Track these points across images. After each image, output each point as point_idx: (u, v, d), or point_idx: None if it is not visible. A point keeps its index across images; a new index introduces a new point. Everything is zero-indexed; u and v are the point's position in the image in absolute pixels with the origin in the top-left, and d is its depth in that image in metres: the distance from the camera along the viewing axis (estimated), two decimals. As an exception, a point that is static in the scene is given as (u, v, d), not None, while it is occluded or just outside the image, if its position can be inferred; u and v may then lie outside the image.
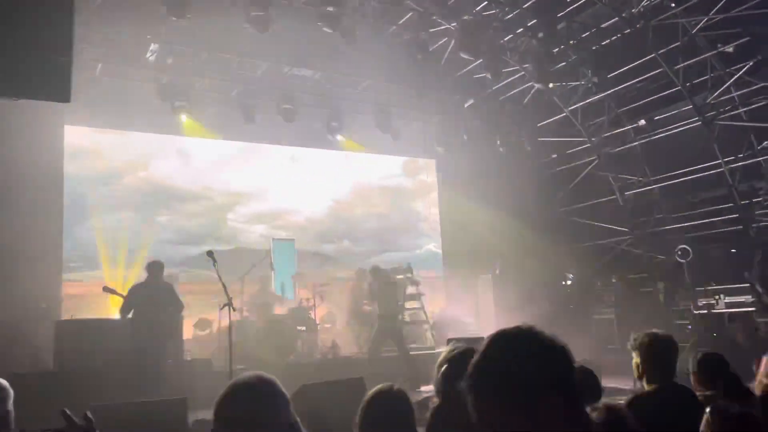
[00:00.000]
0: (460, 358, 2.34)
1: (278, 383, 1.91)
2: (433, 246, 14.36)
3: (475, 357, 1.34)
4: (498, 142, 12.91)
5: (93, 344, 7.45)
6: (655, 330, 3.27)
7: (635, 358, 3.23)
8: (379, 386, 2.54)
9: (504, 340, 1.35)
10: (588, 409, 2.45)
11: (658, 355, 3.15)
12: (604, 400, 3.06)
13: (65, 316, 9.37)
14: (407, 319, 11.49)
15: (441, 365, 2.48)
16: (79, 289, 10.41)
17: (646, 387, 3.20)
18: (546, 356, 1.31)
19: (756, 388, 3.26)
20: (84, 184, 11.06)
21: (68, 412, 2.00)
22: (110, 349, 7.46)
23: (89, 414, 2.03)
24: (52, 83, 5.37)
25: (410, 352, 9.44)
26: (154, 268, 7.78)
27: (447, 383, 2.39)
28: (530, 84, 11.88)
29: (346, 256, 13.30)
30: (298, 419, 1.93)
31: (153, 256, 8.61)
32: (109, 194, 11.34)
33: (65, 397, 6.17)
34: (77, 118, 10.42)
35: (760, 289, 8.61)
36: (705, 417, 2.43)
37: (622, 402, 3.10)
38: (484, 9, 10.33)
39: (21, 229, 9.28)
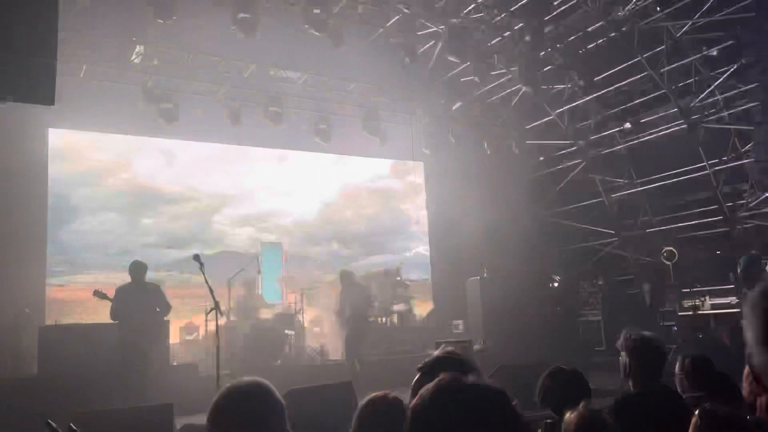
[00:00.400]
0: (433, 366, 2.26)
1: (274, 389, 1.89)
2: (423, 249, 14.36)
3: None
4: (485, 145, 12.95)
5: (77, 350, 7.36)
6: (644, 331, 3.28)
7: (623, 357, 3.24)
8: (373, 394, 2.49)
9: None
10: (568, 413, 2.46)
11: (646, 356, 3.16)
12: (593, 401, 3.07)
13: (49, 322, 9.26)
14: (395, 321, 11.49)
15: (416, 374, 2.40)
16: (63, 294, 10.29)
17: (632, 387, 3.21)
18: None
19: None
20: (68, 187, 10.95)
21: (53, 423, 1.95)
22: (94, 355, 7.36)
23: (73, 426, 1.98)
24: (36, 86, 5.30)
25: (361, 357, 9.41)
26: (136, 269, 7.67)
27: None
28: (517, 87, 11.93)
29: (335, 259, 13.26)
30: (289, 429, 1.90)
31: (138, 259, 8.51)
32: (94, 198, 11.24)
33: (48, 403, 6.10)
34: (61, 121, 10.32)
35: (747, 292, 8.67)
36: (693, 419, 2.43)
37: (607, 403, 3.12)
38: (472, 12, 10.36)
39: (4, 233, 9.17)
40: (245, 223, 12.64)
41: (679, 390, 3.58)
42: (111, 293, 7.47)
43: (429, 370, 2.21)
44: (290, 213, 13.05)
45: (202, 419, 1.87)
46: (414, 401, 1.25)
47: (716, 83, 10.19)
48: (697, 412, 2.37)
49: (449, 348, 2.46)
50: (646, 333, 3.27)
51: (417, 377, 2.26)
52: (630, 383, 3.22)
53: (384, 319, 11.36)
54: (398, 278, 11.85)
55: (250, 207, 12.73)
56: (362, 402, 2.45)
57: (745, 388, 3.11)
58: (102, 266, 10.76)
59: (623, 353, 3.23)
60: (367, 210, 14.11)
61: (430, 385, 1.26)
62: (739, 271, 8.82)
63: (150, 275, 7.93)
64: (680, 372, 3.69)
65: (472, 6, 10.23)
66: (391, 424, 2.33)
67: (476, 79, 11.13)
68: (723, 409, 2.42)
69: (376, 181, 14.37)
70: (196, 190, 12.23)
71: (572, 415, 2.44)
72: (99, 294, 7.41)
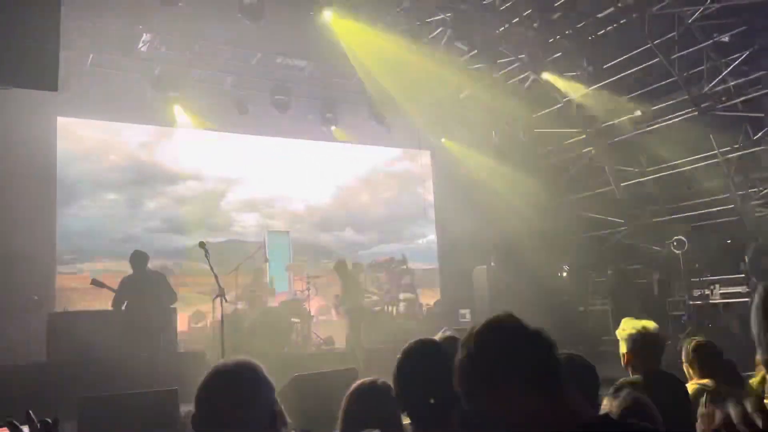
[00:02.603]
0: (413, 350, 2.16)
1: (262, 369, 1.88)
2: (434, 236, 14.34)
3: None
4: (493, 133, 12.85)
5: (85, 336, 7.40)
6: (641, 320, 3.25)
7: (622, 347, 3.21)
8: (361, 380, 2.50)
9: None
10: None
11: (643, 344, 3.13)
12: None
13: (58, 308, 9.34)
14: (402, 310, 11.50)
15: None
16: (73, 282, 10.38)
17: (632, 374, 3.17)
18: None
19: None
20: (76, 176, 11.00)
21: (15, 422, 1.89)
22: (102, 341, 7.42)
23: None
24: (40, 72, 5.31)
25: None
26: (138, 259, 7.78)
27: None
28: (526, 74, 11.81)
29: (345, 245, 13.25)
30: (282, 407, 1.89)
31: (144, 247, 8.56)
32: (101, 186, 11.30)
33: (57, 389, 6.16)
34: (69, 110, 10.37)
35: (754, 280, 8.59)
36: (701, 400, 2.42)
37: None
38: (480, -2, 10.23)
39: (14, 221, 9.25)
40: (253, 209, 12.66)
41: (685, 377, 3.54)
42: (115, 285, 7.60)
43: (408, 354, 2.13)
44: (298, 199, 13.06)
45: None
46: None
47: (728, 70, 10.03)
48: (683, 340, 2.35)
49: (448, 332, 2.44)
50: (643, 321, 3.23)
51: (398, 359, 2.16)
52: (630, 372, 3.18)
53: (390, 308, 11.37)
54: (404, 267, 11.84)
55: (258, 193, 12.74)
56: (351, 387, 2.44)
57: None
58: (109, 254, 10.83)
59: (621, 342, 3.21)
60: (378, 196, 14.08)
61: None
62: (746, 260, 8.73)
63: (157, 262, 7.99)
64: (686, 359, 3.64)
65: (481, -8, 10.11)
66: (379, 409, 2.32)
67: (484, 66, 11.02)
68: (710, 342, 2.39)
69: (392, 164, 14.33)
70: (202, 177, 12.26)
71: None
72: (96, 282, 7.58)
